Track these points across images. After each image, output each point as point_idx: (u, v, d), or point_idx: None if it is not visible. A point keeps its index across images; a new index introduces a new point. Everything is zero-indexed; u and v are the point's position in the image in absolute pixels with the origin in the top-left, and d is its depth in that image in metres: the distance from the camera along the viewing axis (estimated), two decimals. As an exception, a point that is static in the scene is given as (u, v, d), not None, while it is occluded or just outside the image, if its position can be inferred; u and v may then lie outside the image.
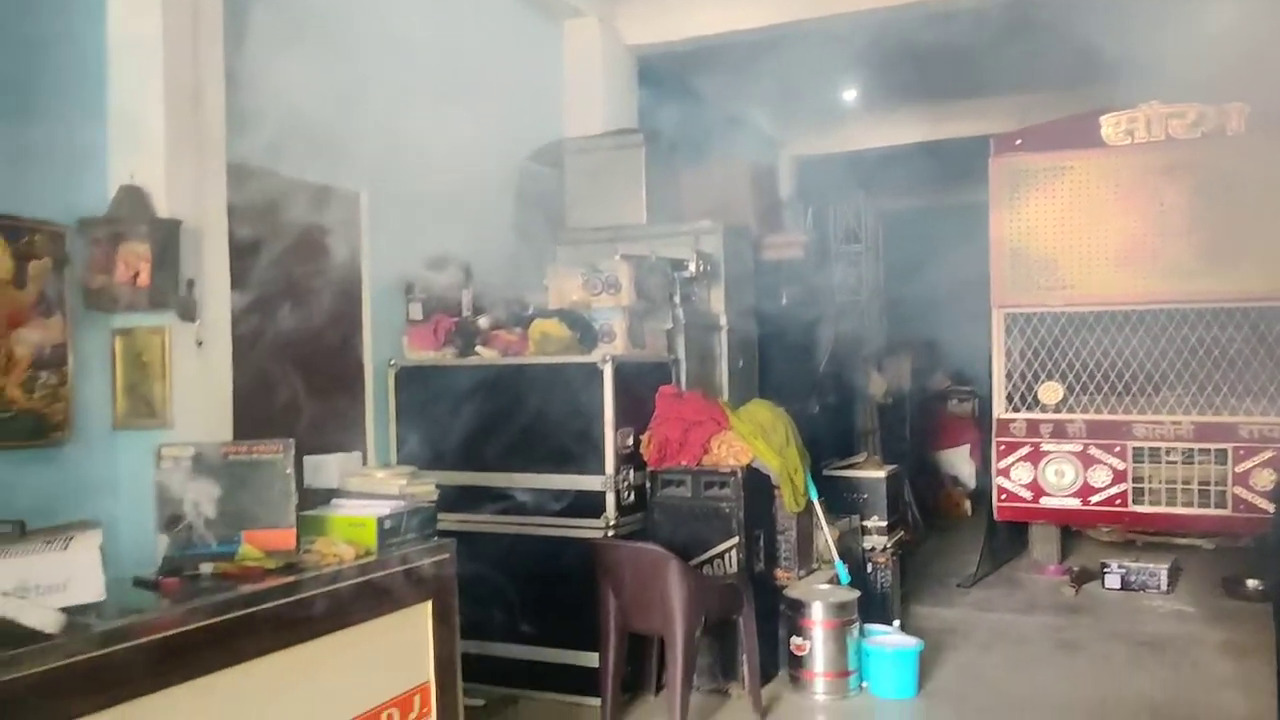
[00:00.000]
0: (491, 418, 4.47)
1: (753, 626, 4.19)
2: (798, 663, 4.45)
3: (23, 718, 1.80)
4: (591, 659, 4.23)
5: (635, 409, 4.47)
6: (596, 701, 4.17)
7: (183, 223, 3.61)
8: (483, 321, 4.63)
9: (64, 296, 3.48)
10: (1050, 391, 6.37)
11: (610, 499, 4.31)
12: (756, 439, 4.46)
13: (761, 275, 5.72)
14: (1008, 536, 7.11)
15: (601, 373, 4.30)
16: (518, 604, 4.37)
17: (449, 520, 3.66)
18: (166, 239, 3.54)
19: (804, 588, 4.59)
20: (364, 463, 3.80)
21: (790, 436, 4.65)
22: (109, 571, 2.24)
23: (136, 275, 3.51)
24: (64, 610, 1.89)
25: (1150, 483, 6.10)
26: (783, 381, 5.73)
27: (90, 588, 1.95)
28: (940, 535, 7.98)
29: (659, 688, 4.42)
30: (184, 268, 3.63)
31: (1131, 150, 6.19)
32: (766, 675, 4.42)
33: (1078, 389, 6.34)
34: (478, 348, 4.60)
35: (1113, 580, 6.27)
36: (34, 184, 3.39)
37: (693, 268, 5.00)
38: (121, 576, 2.38)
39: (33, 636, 1.84)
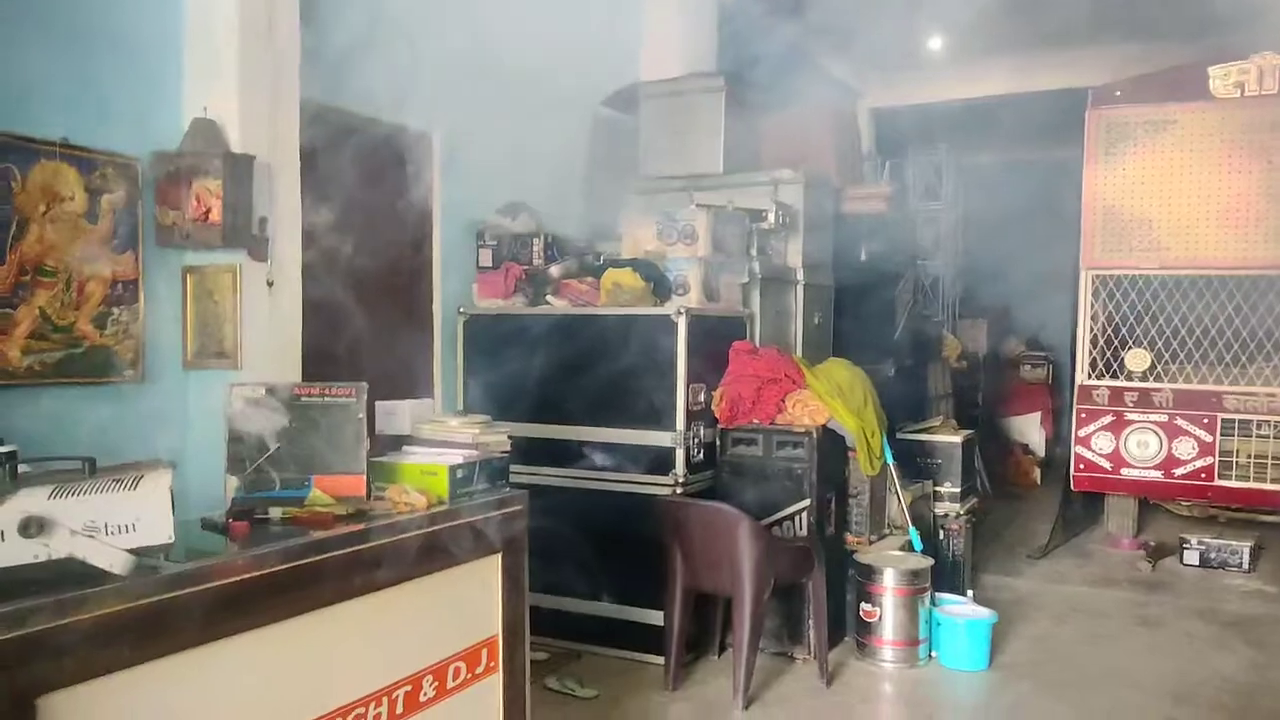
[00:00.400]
0: (560, 369, 4.38)
1: (822, 591, 4.07)
2: (866, 629, 4.32)
3: (89, 659, 1.75)
4: (656, 617, 4.16)
5: (708, 364, 4.33)
6: (660, 660, 4.10)
7: (256, 158, 3.54)
8: (554, 270, 4.51)
9: (136, 232, 3.44)
10: (1137, 359, 6.10)
11: (680, 456, 4.20)
12: (834, 399, 4.30)
13: (840, 229, 5.52)
14: (1081, 507, 6.89)
15: (675, 325, 4.17)
16: (583, 559, 4.30)
17: (517, 472, 3.58)
18: (239, 174, 3.47)
19: (875, 553, 4.45)
20: (434, 409, 3.73)
21: (868, 397, 4.48)
22: (181, 513, 2.19)
23: (208, 212, 3.45)
24: (132, 551, 1.83)
25: (1238, 457, 5.85)
26: (859, 341, 5.54)
27: (160, 529, 1.88)
28: (1009, 504, 7.78)
29: (722, 648, 4.34)
30: (256, 205, 3.57)
31: (1240, 104, 5.83)
32: (833, 641, 4.31)
33: (1166, 357, 6.06)
34: (548, 297, 4.49)
35: (1191, 557, 6.03)
36: (107, 116, 3.33)
37: (771, 219, 4.82)
38: (189, 519, 2.33)
39: (102, 577, 1.79)
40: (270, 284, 3.63)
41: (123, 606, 1.81)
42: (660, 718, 3.72)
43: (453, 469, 2.62)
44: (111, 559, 1.81)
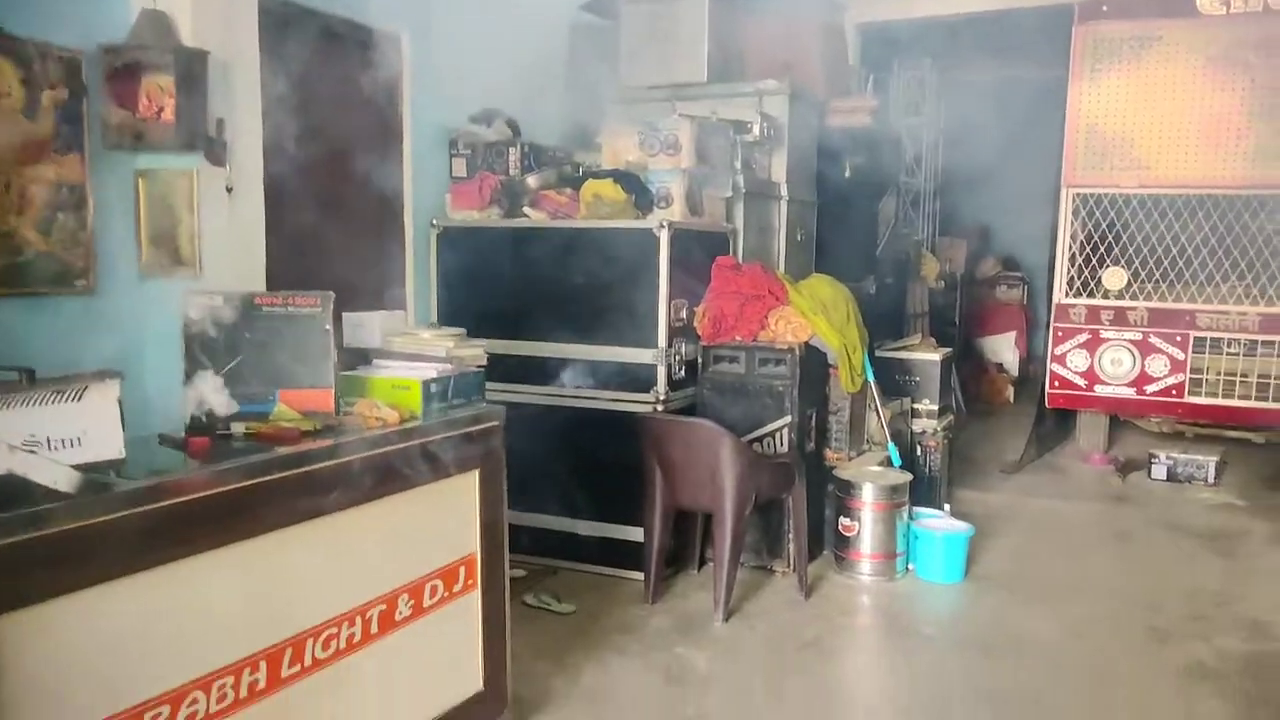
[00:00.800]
0: (538, 284, 4.23)
1: (802, 506, 4.02)
2: (845, 543, 4.30)
3: (37, 583, 1.63)
4: (635, 533, 4.10)
5: (690, 280, 4.20)
6: (638, 575, 4.06)
7: (210, 54, 3.30)
8: (531, 181, 4.33)
9: (82, 132, 3.21)
10: (1114, 277, 6.05)
11: (661, 373, 4.09)
12: (817, 315, 4.19)
13: (825, 144, 5.35)
14: (1053, 424, 6.94)
15: (657, 239, 4.02)
16: (561, 477, 4.22)
17: (492, 390, 3.47)
18: (192, 71, 3.25)
19: (855, 469, 4.40)
20: (406, 324, 3.58)
21: (851, 314, 4.39)
22: (136, 429, 2.06)
23: (161, 110, 3.23)
24: (79, 468, 1.70)
25: (1209, 374, 5.86)
26: (841, 257, 5.42)
27: (108, 443, 1.75)
28: (983, 421, 7.81)
29: (702, 563, 4.31)
30: (212, 105, 3.35)
31: (1226, 21, 5.69)
32: (812, 555, 4.29)
33: (1143, 275, 6.03)
34: (525, 209, 4.32)
35: (1159, 471, 6.09)
36: (47, 4, 3.08)
37: (756, 131, 4.64)
38: (147, 435, 2.19)
39: (46, 495, 1.66)
40: (229, 190, 3.44)
41: (73, 525, 1.69)
42: (640, 629, 3.68)
43: (426, 383, 2.50)
44: (55, 475, 1.69)
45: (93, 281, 3.26)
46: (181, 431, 2.24)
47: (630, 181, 4.15)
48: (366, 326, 2.72)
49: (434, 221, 4.42)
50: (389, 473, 2.35)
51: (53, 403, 1.71)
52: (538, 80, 4.97)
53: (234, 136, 3.44)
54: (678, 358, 4.16)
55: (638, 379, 4.11)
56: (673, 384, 4.14)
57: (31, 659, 1.62)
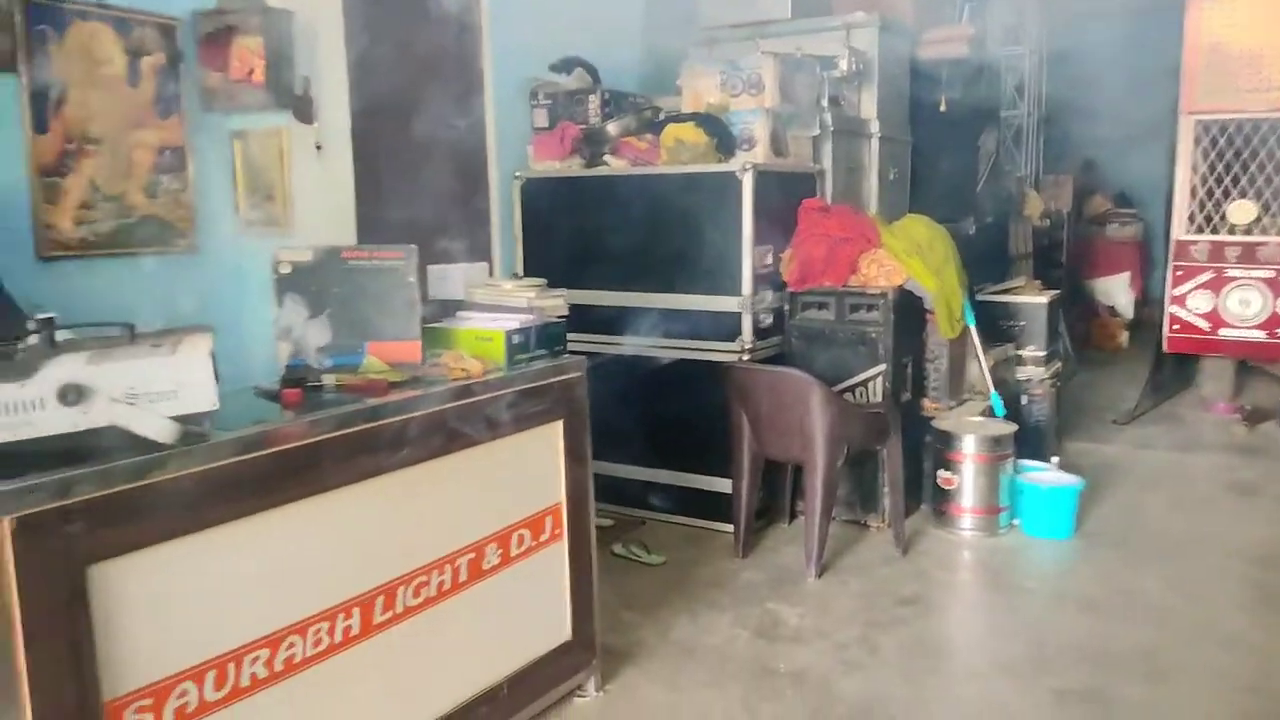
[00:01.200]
0: (620, 233, 4.20)
1: (898, 458, 3.93)
2: (944, 497, 4.20)
3: (139, 529, 1.71)
4: (723, 485, 4.09)
5: (776, 224, 4.11)
6: (727, 527, 4.04)
7: (295, 13, 3.35)
8: (611, 128, 4.29)
9: (180, 96, 3.31)
10: (1242, 210, 5.67)
11: (746, 321, 4.04)
12: (911, 258, 4.07)
13: (918, 77, 5.14)
14: (1172, 371, 6.59)
15: (740, 183, 3.94)
16: (647, 428, 4.23)
17: (575, 340, 3.48)
18: (279, 31, 3.30)
19: (954, 420, 4.28)
20: (490, 275, 3.61)
21: (949, 256, 4.23)
22: (236, 382, 2.13)
23: (251, 72, 3.30)
24: (176, 419, 1.76)
25: (1350, 314, 5.47)
26: (937, 197, 5.24)
27: (202, 396, 1.81)
28: (1094, 368, 7.49)
29: (793, 516, 4.27)
30: (299, 65, 3.40)
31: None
32: (909, 510, 4.20)
33: (1274, 208, 5.63)
34: (606, 157, 4.28)
35: (1292, 420, 5.74)
36: (141, -29, 3.16)
37: (843, 66, 4.49)
38: (245, 387, 2.27)
39: (146, 445, 1.72)
40: (319, 147, 3.50)
41: (171, 475, 1.76)
42: (731, 583, 3.68)
43: (509, 334, 2.51)
44: (155, 426, 1.75)
45: (194, 240, 3.38)
46: (276, 384, 2.30)
47: (712, 124, 4.07)
48: (450, 279, 2.75)
49: (516, 173, 4.43)
50: (474, 423, 2.38)
51: (149, 356, 1.76)
52: (616, 25, 4.91)
53: (321, 94, 3.49)
54: (763, 305, 4.10)
55: (722, 328, 4.07)
56: (758, 332, 4.08)
57: (132, 604, 1.70)
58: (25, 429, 1.65)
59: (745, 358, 4.03)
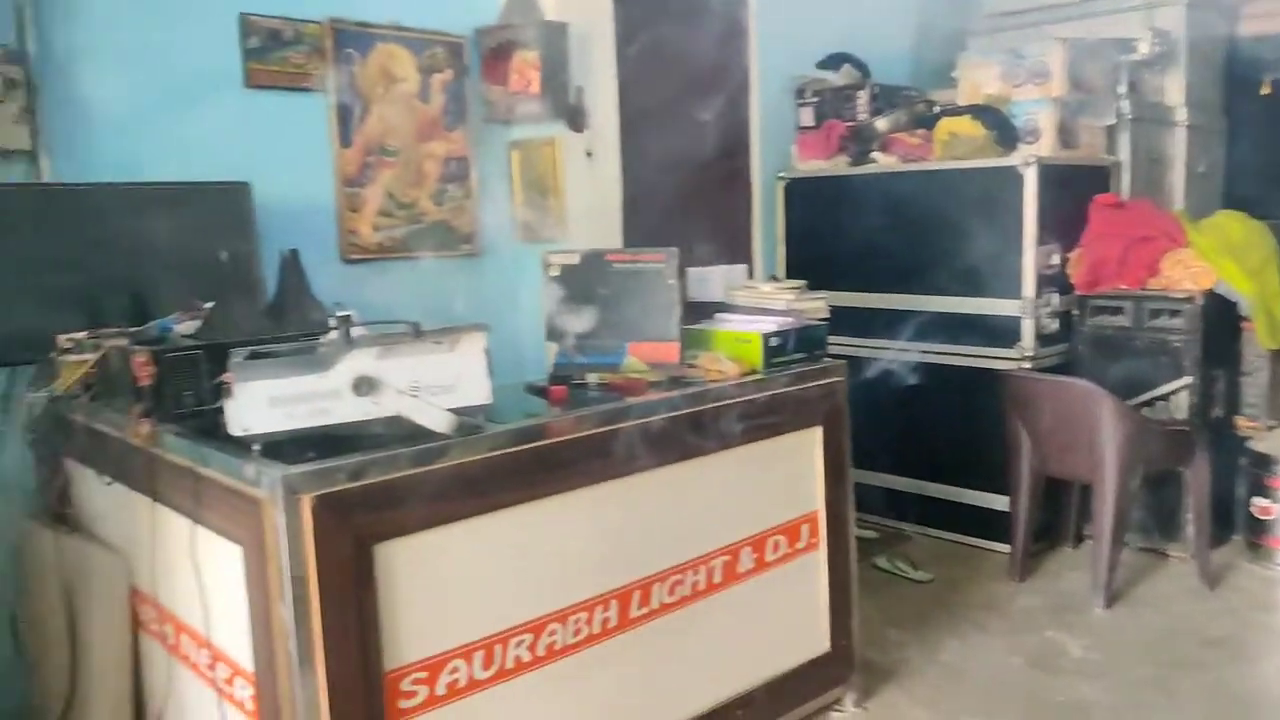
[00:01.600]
0: (887, 232, 4.04)
1: (1204, 481, 3.51)
2: (1261, 528, 3.70)
3: (420, 512, 1.82)
4: (999, 501, 3.83)
5: (1063, 222, 3.80)
6: (1003, 547, 3.78)
7: (569, 25, 3.48)
8: (880, 124, 4.14)
9: (465, 109, 3.54)
10: None
11: (1027, 326, 3.76)
12: (1224, 258, 3.62)
13: (1235, 57, 4.59)
14: None
15: (1021, 178, 3.67)
16: (915, 437, 4.04)
17: (839, 344, 3.39)
18: (554, 43, 3.45)
19: (1274, 441, 3.77)
20: (749, 276, 3.59)
21: (1271, 258, 3.74)
22: (510, 378, 2.23)
23: (529, 84, 3.47)
24: (453, 411, 1.86)
25: None
26: (1257, 192, 4.63)
27: (477, 390, 1.90)
28: None
29: (1079, 539, 3.93)
30: (572, 75, 3.54)
31: None
32: (1217, 540, 3.73)
33: None
34: (874, 154, 4.14)
35: None
36: (436, -5, 3.41)
37: (1143, 49, 4.08)
38: (517, 383, 2.38)
39: (427, 435, 1.84)
40: (589, 154, 3.62)
41: (450, 463, 1.86)
42: (1005, 607, 3.43)
43: (766, 336, 2.47)
44: (435, 418, 1.86)
45: (476, 245, 3.60)
46: (544, 380, 2.40)
47: (991, 116, 3.83)
48: (710, 281, 2.75)
49: (780, 173, 4.38)
50: (731, 425, 2.35)
51: (431, 352, 1.88)
52: (888, 17, 4.74)
53: (592, 103, 3.61)
54: (1047, 309, 3.79)
55: (999, 333, 3.81)
56: (1041, 339, 3.78)
57: (411, 583, 1.82)
58: (324, 416, 1.81)
59: (1025, 366, 3.75)
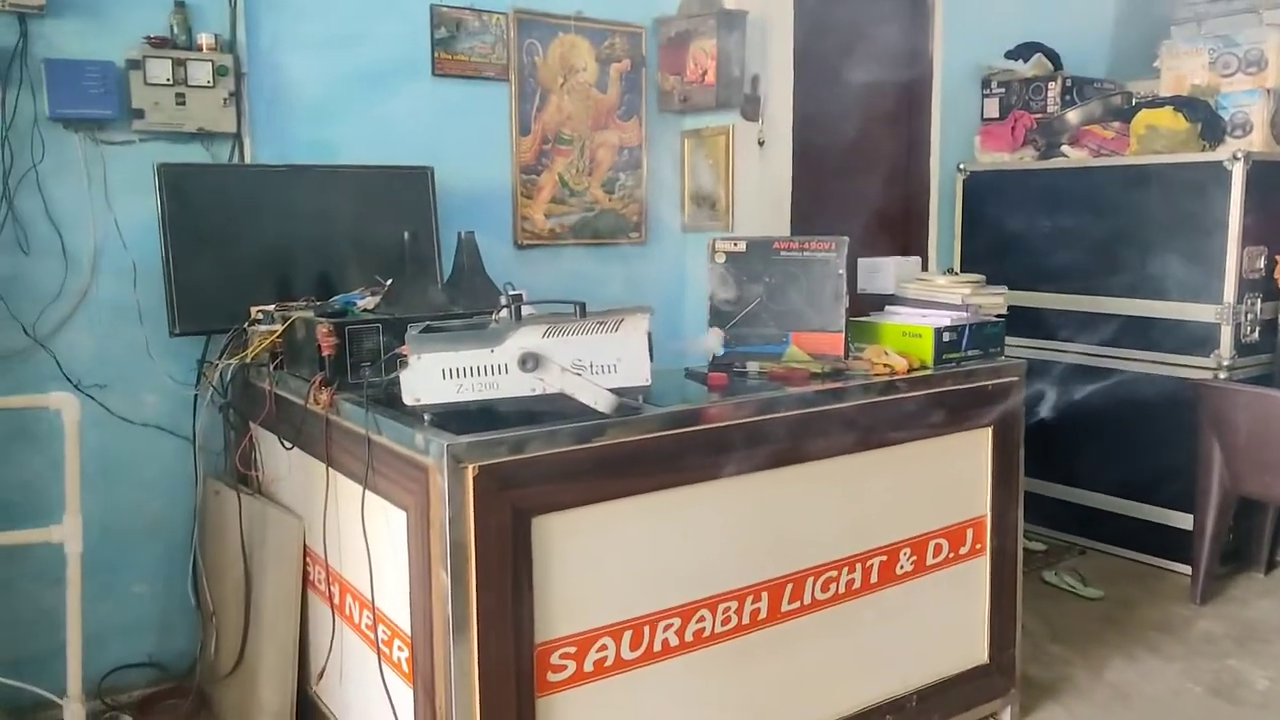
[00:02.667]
0: (1073, 230, 3.83)
1: None
2: None
3: (575, 488, 1.85)
4: (1182, 519, 3.57)
5: (1271, 223, 3.50)
6: (1183, 569, 3.53)
7: (748, 13, 3.46)
8: (1072, 116, 3.92)
9: (640, 99, 3.58)
10: None
11: (1226, 334, 3.48)
12: None
13: None
14: None
15: (1228, 174, 3.40)
16: (1091, 446, 3.82)
17: (1016, 344, 3.23)
18: (733, 32, 3.43)
19: None
20: (924, 269, 3.47)
21: None
22: (669, 364, 2.24)
23: (705, 74, 3.47)
24: (614, 391, 1.88)
25: None
26: None
27: (638, 371, 1.92)
28: None
29: (1271, 565, 3.62)
30: (749, 63, 3.51)
31: None
32: None
33: None
34: (1063, 147, 3.92)
35: None
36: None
37: (1378, 35, 3.69)
38: (677, 369, 2.39)
39: (588, 413, 1.87)
40: (761, 143, 3.59)
41: (609, 442, 1.89)
42: (1182, 630, 3.20)
43: (938, 331, 2.38)
44: (597, 396, 1.88)
45: (644, 234, 3.64)
46: (704, 367, 2.40)
47: (1195, 108, 3.56)
48: (881, 272, 2.67)
49: (960, 165, 4.21)
50: (894, 422, 2.29)
51: (595, 332, 1.91)
52: (1084, 4, 4.48)
53: (767, 91, 3.57)
54: (1250, 316, 3.51)
55: (1193, 340, 3.54)
56: (1240, 347, 3.50)
57: (565, 558, 1.85)
58: (491, 390, 1.87)
59: (1222, 376, 3.48)
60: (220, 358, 2.50)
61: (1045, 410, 2.98)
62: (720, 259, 2.51)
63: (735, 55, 3.45)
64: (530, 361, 1.87)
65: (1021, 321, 3.24)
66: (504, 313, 2.03)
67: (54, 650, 2.09)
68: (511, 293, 2.09)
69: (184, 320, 2.56)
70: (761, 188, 3.61)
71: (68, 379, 2.55)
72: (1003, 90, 4.20)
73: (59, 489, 2.08)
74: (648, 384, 1.94)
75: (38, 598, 2.51)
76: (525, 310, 2.06)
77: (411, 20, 3.08)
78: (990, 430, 2.48)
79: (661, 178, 3.66)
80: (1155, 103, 3.70)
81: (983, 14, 4.19)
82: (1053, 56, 4.21)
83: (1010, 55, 4.24)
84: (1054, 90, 4.05)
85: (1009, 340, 2.58)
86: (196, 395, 2.69)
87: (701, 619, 2.05)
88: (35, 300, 2.56)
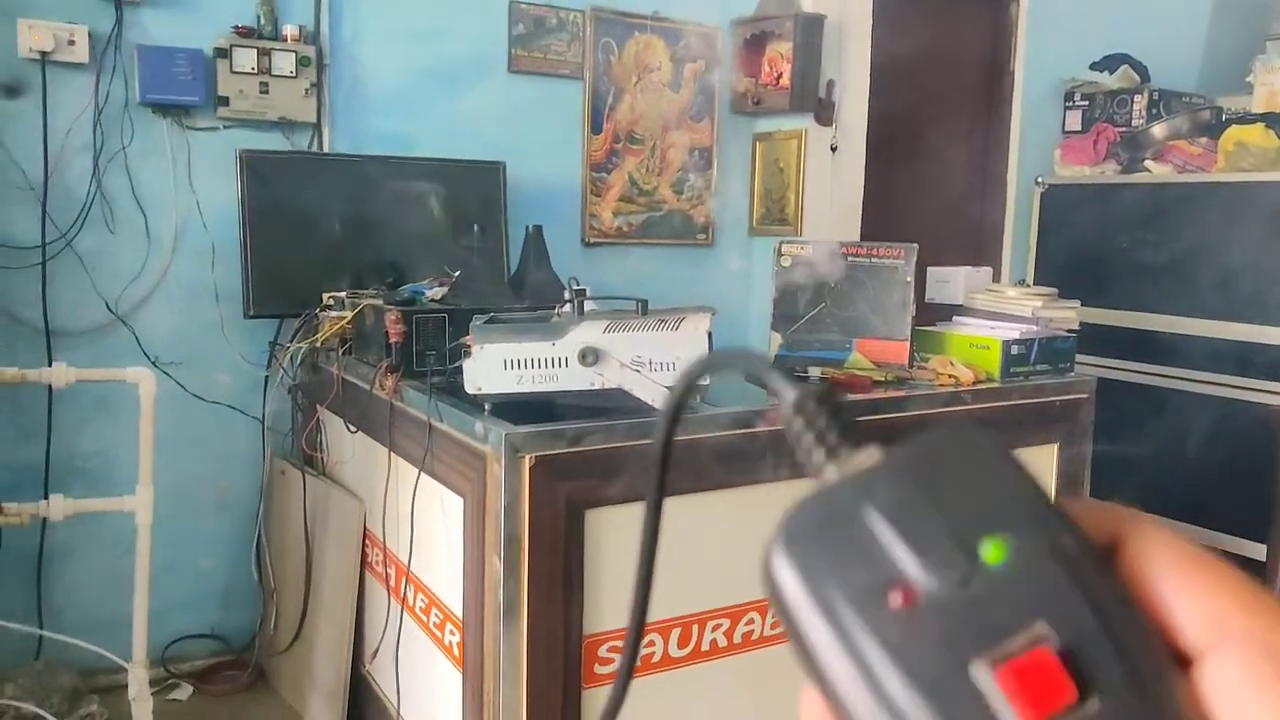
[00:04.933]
0: (1153, 247, 3.72)
1: None
2: None
3: (626, 484, 1.85)
4: (1255, 549, 3.44)
5: (1367, 247, 3.36)
6: (1258, 602, 3.40)
7: (827, 18, 3.44)
8: (1157, 131, 3.81)
9: (713, 100, 3.57)
10: None
11: (1311, 360, 3.36)
12: None
13: None
14: None
15: (1321, 196, 3.28)
16: (1162, 468, 3.70)
17: (1086, 362, 3.15)
18: (810, 36, 3.42)
19: None
20: (994, 280, 3.42)
21: None
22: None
23: (779, 77, 3.46)
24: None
25: None
26: None
27: (697, 371, 1.93)
28: None
29: (1352, 605, 3.47)
30: (825, 68, 3.49)
31: None
32: None
33: None
34: (1146, 162, 3.82)
35: None
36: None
37: None
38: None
39: (643, 409, 1.87)
40: (834, 149, 3.56)
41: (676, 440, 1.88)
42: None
43: (1006, 344, 2.34)
44: (655, 394, 1.89)
45: (711, 236, 3.63)
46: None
47: (1290, 127, 3.44)
48: (951, 282, 2.63)
49: (1039, 178, 4.12)
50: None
51: (656, 329, 1.92)
52: (1176, 16, 4.35)
53: (842, 96, 3.55)
54: (1339, 343, 3.37)
55: (1270, 364, 3.42)
56: (1328, 375, 3.37)
57: (616, 552, 1.86)
58: (552, 383, 1.88)
59: (1304, 404, 3.35)
60: (291, 341, 2.57)
61: (1115, 430, 2.91)
62: (786, 262, 2.50)
63: (811, 59, 3.43)
64: (590, 356, 1.88)
65: (1095, 339, 3.15)
66: (567, 307, 2.05)
67: (122, 617, 2.17)
68: (575, 288, 2.11)
69: (258, 303, 2.63)
70: (832, 193, 3.58)
71: (145, 355, 2.64)
72: (1086, 103, 4.10)
73: (133, 461, 2.15)
74: (707, 384, 1.95)
75: (110, 566, 2.60)
76: (588, 306, 2.08)
77: (490, 16, 3.12)
78: (1056, 447, 2.43)
79: (731, 180, 3.65)
80: (1246, 119, 3.58)
81: (1069, 24, 4.09)
82: (1140, 69, 4.10)
83: (1096, 66, 4.14)
84: (1140, 103, 3.95)
85: (1080, 358, 2.52)
86: (267, 376, 2.76)
87: (750, 621, 2.04)
88: (118, 278, 2.65)
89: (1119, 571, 0.28)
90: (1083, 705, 0.25)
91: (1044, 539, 0.27)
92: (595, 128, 3.36)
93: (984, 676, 0.25)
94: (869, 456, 0.31)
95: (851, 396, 2.17)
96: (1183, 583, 0.28)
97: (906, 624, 0.26)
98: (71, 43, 2.50)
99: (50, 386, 2.38)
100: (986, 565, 0.27)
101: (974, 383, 2.29)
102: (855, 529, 0.28)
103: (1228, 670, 0.26)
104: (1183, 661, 0.26)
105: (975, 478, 0.28)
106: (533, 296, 2.40)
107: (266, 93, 2.72)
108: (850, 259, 2.43)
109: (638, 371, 1.90)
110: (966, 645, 0.26)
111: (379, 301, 2.29)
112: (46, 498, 2.10)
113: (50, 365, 2.28)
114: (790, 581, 0.28)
